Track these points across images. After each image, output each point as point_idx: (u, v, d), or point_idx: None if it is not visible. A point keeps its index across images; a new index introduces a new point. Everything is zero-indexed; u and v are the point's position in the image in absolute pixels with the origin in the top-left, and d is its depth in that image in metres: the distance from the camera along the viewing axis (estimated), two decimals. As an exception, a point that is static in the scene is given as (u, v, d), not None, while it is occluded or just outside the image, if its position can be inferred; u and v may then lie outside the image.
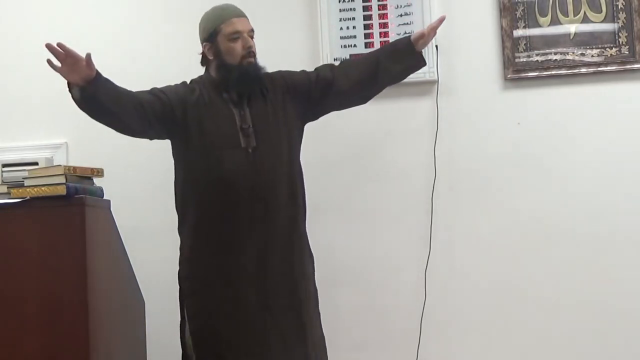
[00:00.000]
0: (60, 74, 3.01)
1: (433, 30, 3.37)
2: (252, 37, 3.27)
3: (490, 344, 3.79)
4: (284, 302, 3.18)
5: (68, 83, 3.03)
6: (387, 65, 3.36)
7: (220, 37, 3.24)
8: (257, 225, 3.17)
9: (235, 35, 3.23)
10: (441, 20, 3.39)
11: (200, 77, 3.32)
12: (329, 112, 3.46)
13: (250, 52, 3.24)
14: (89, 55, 2.98)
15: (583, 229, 3.78)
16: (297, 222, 3.27)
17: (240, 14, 3.29)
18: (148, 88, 3.25)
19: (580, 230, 3.78)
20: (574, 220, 3.79)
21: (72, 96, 3.05)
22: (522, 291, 3.79)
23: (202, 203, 3.20)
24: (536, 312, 3.78)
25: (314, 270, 3.34)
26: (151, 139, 3.31)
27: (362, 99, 3.47)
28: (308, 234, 3.62)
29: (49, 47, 2.94)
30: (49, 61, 2.98)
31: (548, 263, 3.79)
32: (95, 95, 3.01)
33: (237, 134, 3.21)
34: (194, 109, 3.22)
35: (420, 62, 3.42)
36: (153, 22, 4.06)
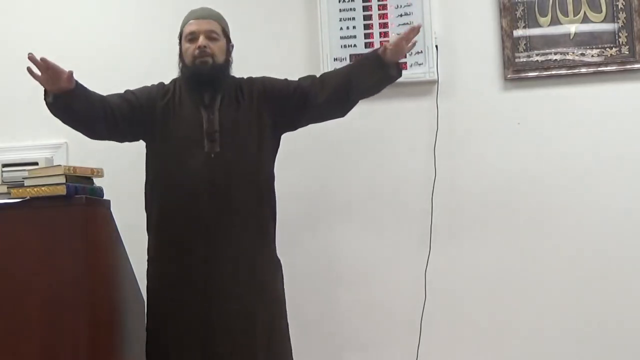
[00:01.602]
0: (39, 82, 3.05)
1: (405, 41, 3.16)
2: (214, 38, 3.23)
3: (491, 344, 3.79)
4: (234, 309, 3.12)
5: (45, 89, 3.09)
6: (358, 80, 3.25)
7: (182, 39, 3.29)
8: (213, 231, 3.14)
9: (191, 36, 3.24)
10: (414, 30, 3.17)
11: (179, 77, 3.35)
12: (308, 124, 3.41)
13: (202, 52, 3.20)
14: (71, 73, 3.03)
15: (583, 228, 3.78)
16: (260, 230, 3.22)
17: (202, 16, 3.27)
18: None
19: (581, 229, 3.78)
20: (574, 219, 3.79)
21: (46, 101, 3.12)
22: (522, 291, 3.79)
23: (163, 205, 3.23)
24: (537, 312, 3.78)
25: (281, 280, 3.28)
26: (121, 142, 3.37)
27: (339, 113, 3.37)
28: (308, 234, 3.63)
29: (30, 58, 2.98)
30: (29, 69, 3.00)
31: (549, 262, 3.79)
32: (70, 105, 3.10)
33: (202, 138, 3.19)
34: (163, 110, 3.25)
35: (394, 74, 3.26)
36: (146, 21, 4.07)
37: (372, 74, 3.24)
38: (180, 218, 3.18)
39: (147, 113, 3.25)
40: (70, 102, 3.08)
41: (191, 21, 3.27)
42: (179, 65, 3.32)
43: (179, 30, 3.34)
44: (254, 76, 3.37)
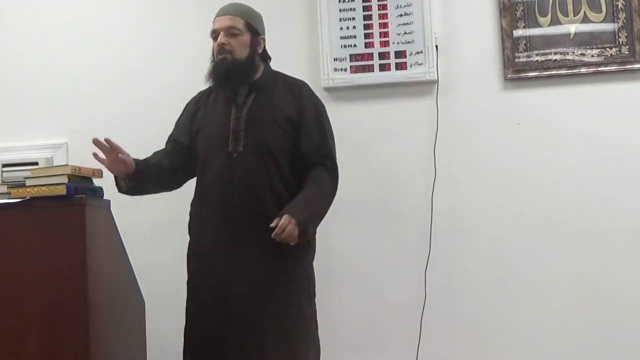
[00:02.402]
0: (106, 167, 3.15)
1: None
2: (234, 34, 3.20)
3: (491, 344, 3.79)
4: (248, 312, 3.07)
5: (114, 177, 3.20)
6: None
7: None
8: (232, 232, 3.11)
9: (214, 34, 3.24)
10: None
11: None
12: None
13: (221, 49, 3.18)
14: (131, 163, 3.14)
15: (583, 228, 3.78)
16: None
17: (225, 12, 3.25)
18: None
19: (580, 229, 3.78)
20: (574, 220, 3.78)
21: (122, 191, 3.23)
22: (522, 291, 3.79)
23: (193, 205, 3.24)
24: (536, 312, 3.78)
25: (305, 292, 3.19)
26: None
27: None
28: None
29: (95, 142, 3.06)
30: (94, 154, 3.09)
31: (548, 262, 3.79)
32: (136, 187, 3.21)
33: (227, 136, 3.17)
34: (195, 113, 3.28)
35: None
36: (163, 21, 4.07)
37: None
38: (205, 218, 3.17)
39: (192, 136, 3.28)
40: (135, 184, 3.20)
41: (216, 19, 3.26)
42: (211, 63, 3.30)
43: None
44: (302, 82, 3.32)
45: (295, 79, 3.32)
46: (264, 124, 3.18)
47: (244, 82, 3.21)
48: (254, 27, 3.26)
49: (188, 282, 3.22)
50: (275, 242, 3.04)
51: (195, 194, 3.25)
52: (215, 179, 3.15)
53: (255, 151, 3.15)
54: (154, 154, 3.33)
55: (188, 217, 3.26)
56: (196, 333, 3.13)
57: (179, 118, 3.36)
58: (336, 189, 3.26)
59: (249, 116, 3.18)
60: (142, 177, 3.21)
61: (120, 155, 3.09)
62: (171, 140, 3.34)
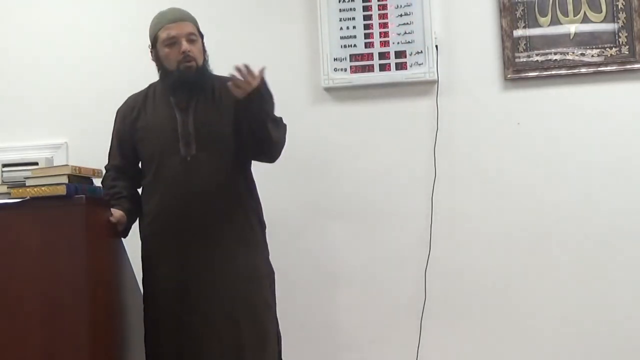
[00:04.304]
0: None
1: (239, 82, 3.04)
2: (193, 41, 3.20)
3: (491, 344, 3.79)
4: (214, 316, 3.10)
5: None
6: (249, 123, 3.11)
7: (159, 44, 3.24)
8: (190, 237, 3.13)
9: (171, 41, 3.20)
10: (239, 72, 3.03)
11: (157, 81, 3.34)
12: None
13: (186, 57, 3.18)
14: (122, 216, 3.21)
15: (583, 229, 3.78)
16: (242, 236, 3.14)
17: (177, 19, 3.23)
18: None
19: (580, 229, 3.78)
20: (574, 220, 3.78)
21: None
22: (522, 291, 3.79)
23: (146, 211, 3.26)
24: (536, 312, 3.78)
25: (267, 288, 3.22)
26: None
27: (262, 156, 3.24)
28: (308, 234, 3.61)
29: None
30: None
31: (548, 263, 3.79)
32: (129, 227, 3.28)
33: (177, 141, 3.17)
34: (134, 121, 3.28)
35: (250, 110, 3.07)
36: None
37: (246, 114, 3.11)
38: (159, 223, 3.20)
39: (132, 141, 3.29)
40: (128, 227, 3.28)
41: (168, 25, 3.22)
42: (158, 71, 3.28)
43: (149, 35, 3.31)
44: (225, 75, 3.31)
45: (226, 76, 3.26)
46: (215, 122, 3.19)
47: (202, 87, 3.22)
48: (200, 31, 3.28)
49: (146, 295, 3.24)
50: (241, 240, 3.12)
51: (147, 202, 3.25)
52: (171, 185, 3.17)
53: (211, 151, 3.17)
54: (111, 181, 3.32)
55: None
56: (162, 342, 3.16)
57: (116, 130, 3.35)
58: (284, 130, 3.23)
59: (198, 118, 3.19)
60: (131, 215, 3.26)
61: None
62: (116, 153, 3.34)
